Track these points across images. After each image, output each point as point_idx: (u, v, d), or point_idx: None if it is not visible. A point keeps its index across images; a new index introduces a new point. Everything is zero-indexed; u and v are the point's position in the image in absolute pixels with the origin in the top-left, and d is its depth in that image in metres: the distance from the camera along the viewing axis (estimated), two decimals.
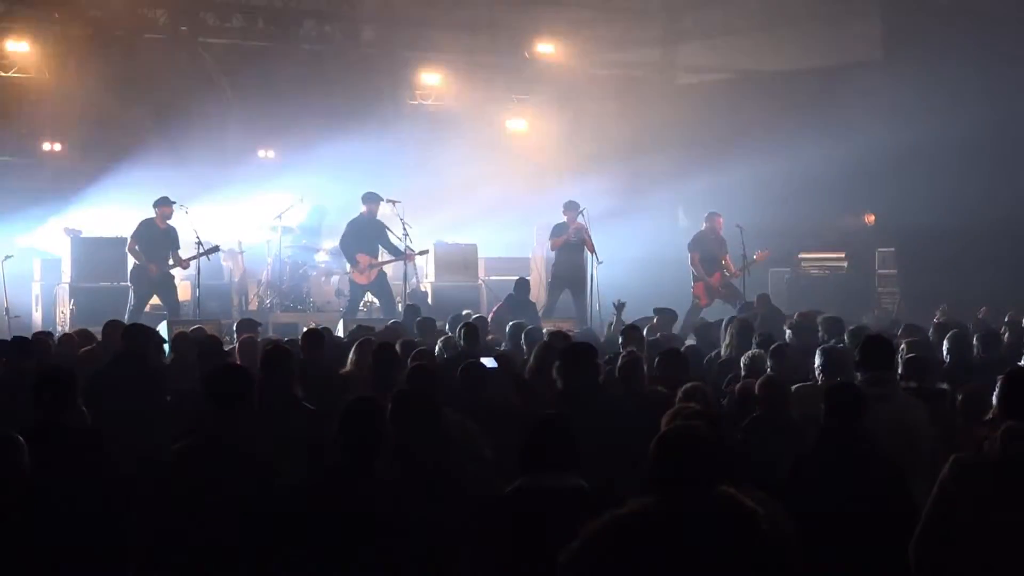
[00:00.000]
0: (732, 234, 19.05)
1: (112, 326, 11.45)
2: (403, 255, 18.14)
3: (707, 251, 18.89)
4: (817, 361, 8.61)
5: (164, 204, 17.48)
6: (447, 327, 13.50)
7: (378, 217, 18.21)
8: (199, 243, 17.47)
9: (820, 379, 8.42)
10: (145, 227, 17.50)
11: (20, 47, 20.40)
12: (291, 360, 7.95)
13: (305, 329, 12.23)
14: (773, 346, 9.59)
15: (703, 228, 19.19)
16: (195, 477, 5.77)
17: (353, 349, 10.20)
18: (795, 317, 13.51)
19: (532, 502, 5.27)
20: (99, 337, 11.68)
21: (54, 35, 20.72)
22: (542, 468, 5.37)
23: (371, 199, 18.01)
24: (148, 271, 17.24)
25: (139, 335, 9.75)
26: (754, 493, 4.89)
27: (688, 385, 7.25)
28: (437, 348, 11.24)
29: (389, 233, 18.05)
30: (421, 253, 19.10)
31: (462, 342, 10.93)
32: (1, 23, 20.96)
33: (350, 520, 5.33)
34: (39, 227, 20.56)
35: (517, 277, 17.81)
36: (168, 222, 17.57)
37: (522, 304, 16.68)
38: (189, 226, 17.53)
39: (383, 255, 18.14)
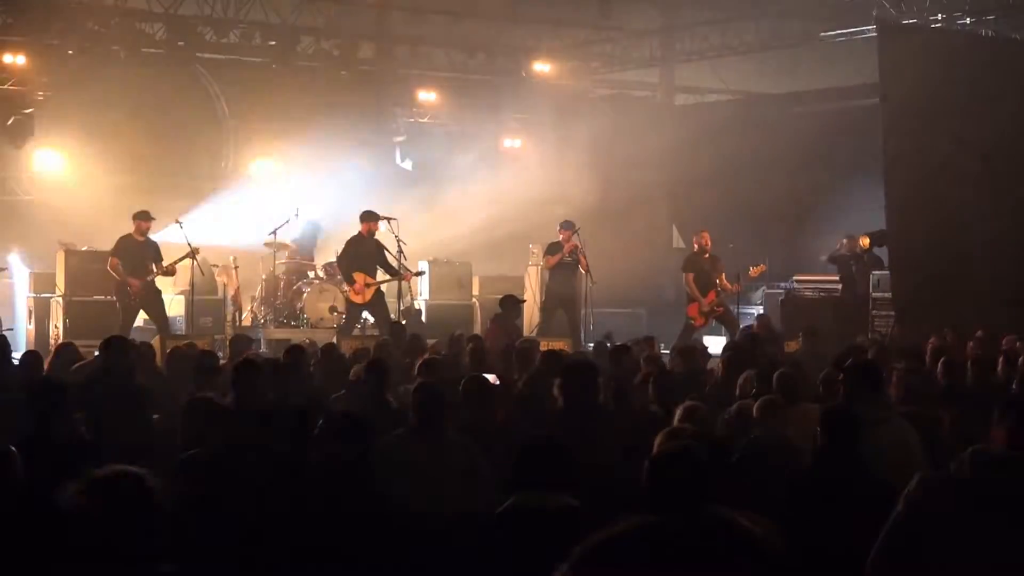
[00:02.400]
0: (725, 254, 19.07)
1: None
2: (400, 275, 18.06)
3: (701, 271, 18.88)
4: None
5: (143, 218, 17.43)
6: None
7: (376, 236, 18.15)
8: (192, 253, 17.45)
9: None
10: (124, 242, 17.44)
11: (17, 60, 20.39)
12: (262, 373, 8.03)
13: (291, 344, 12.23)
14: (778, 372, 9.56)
15: (694, 248, 19.20)
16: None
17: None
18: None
19: (525, 521, 5.25)
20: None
21: (51, 48, 20.71)
22: (535, 487, 5.35)
23: (368, 218, 17.92)
24: (129, 286, 17.21)
25: (117, 349, 9.70)
26: (748, 515, 4.87)
27: (687, 403, 7.25)
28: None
29: (386, 252, 17.97)
30: (418, 274, 19.04)
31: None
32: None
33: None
34: (34, 240, 20.50)
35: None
36: (148, 235, 17.53)
37: (508, 321, 16.55)
38: (183, 238, 17.50)
39: (380, 274, 18.06)
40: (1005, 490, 5.04)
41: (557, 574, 4.43)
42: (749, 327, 16.33)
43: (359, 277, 17.70)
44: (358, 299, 17.80)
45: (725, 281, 18.79)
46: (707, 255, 18.92)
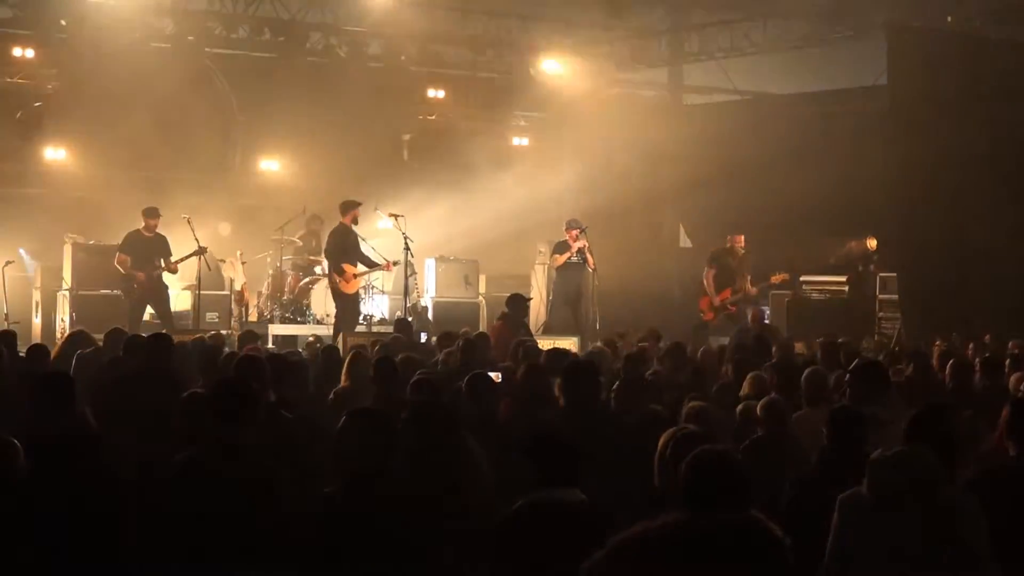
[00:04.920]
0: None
1: (115, 335, 11.28)
2: (380, 266, 18.05)
3: (724, 268, 18.94)
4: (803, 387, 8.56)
5: (150, 216, 17.46)
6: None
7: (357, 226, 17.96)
8: (199, 251, 17.48)
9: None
10: (132, 237, 17.50)
11: (26, 53, 20.40)
12: (264, 368, 7.94)
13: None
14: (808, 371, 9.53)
15: (726, 245, 19.29)
16: (199, 487, 5.72)
17: (346, 364, 10.09)
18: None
19: (535, 517, 5.23)
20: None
21: (60, 42, 20.72)
22: (545, 484, 5.33)
23: (353, 206, 17.66)
24: (135, 281, 17.26)
25: (162, 346, 9.71)
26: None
27: (692, 404, 7.23)
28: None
29: (362, 242, 17.90)
30: (395, 263, 18.67)
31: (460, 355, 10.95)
32: (7, 29, 20.97)
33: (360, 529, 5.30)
34: (41, 234, 20.52)
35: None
36: (157, 230, 17.56)
37: (518, 321, 16.49)
38: (189, 234, 17.51)
39: (360, 267, 17.92)
40: (889, 488, 5.14)
41: (589, 564, 4.43)
42: (745, 325, 16.32)
43: (348, 268, 17.62)
44: (350, 289, 17.70)
45: (749, 283, 18.86)
46: (738, 254, 19.01)
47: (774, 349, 12.47)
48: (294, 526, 5.48)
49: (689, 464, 4.55)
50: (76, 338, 11.41)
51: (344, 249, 17.61)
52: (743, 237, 19.21)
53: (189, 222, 17.54)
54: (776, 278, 19.16)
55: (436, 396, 7.53)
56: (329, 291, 18.37)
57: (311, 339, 15.79)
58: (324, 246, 18.10)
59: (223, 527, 5.56)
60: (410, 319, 17.25)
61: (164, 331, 13.84)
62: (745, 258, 19.06)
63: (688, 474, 4.51)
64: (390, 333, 15.16)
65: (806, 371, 8.79)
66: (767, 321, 17.74)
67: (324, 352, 12.05)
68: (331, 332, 17.17)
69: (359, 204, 17.77)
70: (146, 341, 10.02)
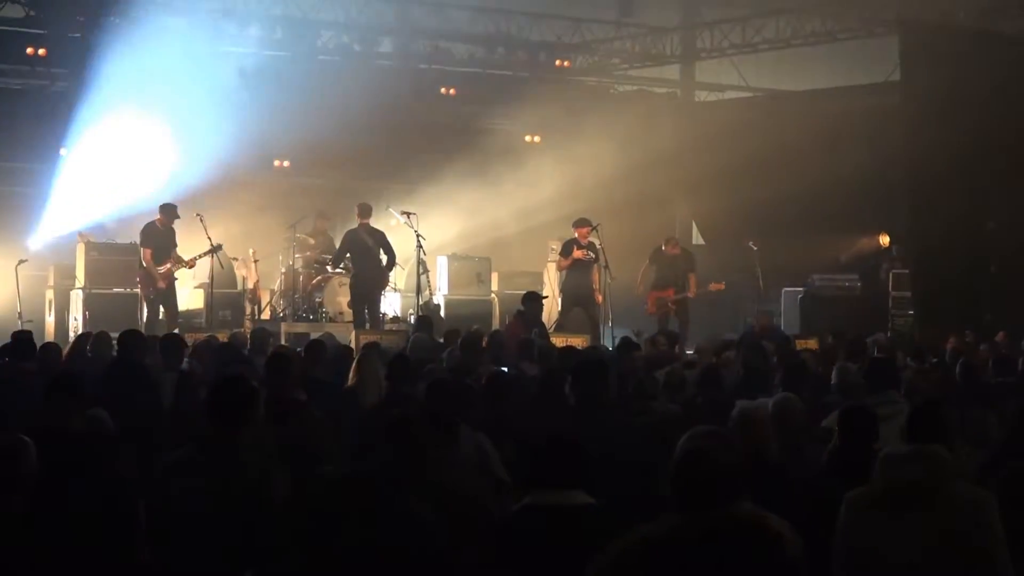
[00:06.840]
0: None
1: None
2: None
3: (660, 268, 19.16)
4: (833, 380, 8.62)
5: (168, 214, 17.60)
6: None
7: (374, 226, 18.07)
8: (212, 248, 17.58)
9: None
10: (151, 229, 17.63)
11: (39, 52, 20.44)
12: (292, 365, 7.99)
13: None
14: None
15: (660, 247, 19.45)
16: (191, 485, 5.74)
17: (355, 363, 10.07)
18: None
19: (537, 520, 5.21)
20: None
21: (73, 40, 20.75)
22: (548, 485, 5.30)
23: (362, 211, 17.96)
24: (155, 284, 17.38)
25: (133, 341, 9.79)
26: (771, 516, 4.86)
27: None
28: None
29: None
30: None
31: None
32: (20, 28, 21.01)
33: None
34: (54, 232, 20.57)
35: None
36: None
37: (533, 319, 16.50)
38: (202, 232, 17.61)
39: None
40: (900, 485, 5.16)
41: (592, 569, 4.43)
42: (751, 325, 16.32)
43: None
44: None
45: (694, 284, 19.06)
46: (666, 256, 19.26)
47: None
48: (294, 524, 5.48)
49: (675, 465, 4.53)
50: (85, 339, 11.47)
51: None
52: (677, 241, 19.70)
53: (201, 220, 17.66)
54: (713, 287, 19.35)
55: (449, 396, 7.50)
56: (342, 288, 18.46)
57: (324, 337, 15.77)
58: (389, 249, 17.93)
59: (214, 526, 5.57)
60: (423, 316, 17.25)
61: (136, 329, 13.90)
62: (680, 260, 19.18)
63: (674, 475, 4.49)
64: (400, 331, 15.21)
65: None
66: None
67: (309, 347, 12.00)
68: (346, 330, 17.24)
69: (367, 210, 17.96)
70: (120, 338, 10.10)
